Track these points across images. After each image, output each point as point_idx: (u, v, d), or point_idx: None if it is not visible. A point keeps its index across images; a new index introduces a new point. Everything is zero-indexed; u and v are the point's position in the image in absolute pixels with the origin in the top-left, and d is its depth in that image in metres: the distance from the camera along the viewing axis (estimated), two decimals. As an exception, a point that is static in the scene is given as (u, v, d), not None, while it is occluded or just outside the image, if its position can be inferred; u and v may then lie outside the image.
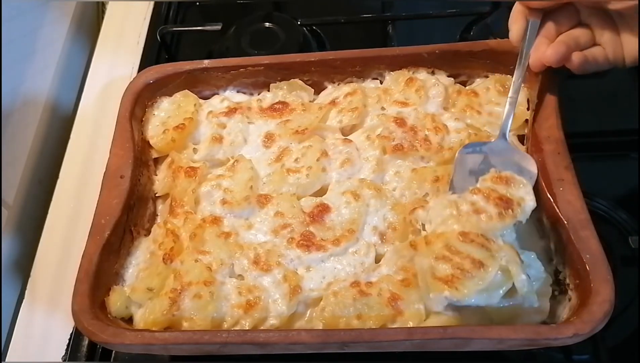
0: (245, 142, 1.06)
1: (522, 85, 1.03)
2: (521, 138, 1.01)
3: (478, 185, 0.88)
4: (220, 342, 0.81)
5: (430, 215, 0.89)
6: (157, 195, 1.04)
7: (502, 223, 0.84)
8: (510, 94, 0.95)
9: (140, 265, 0.95)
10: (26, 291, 1.06)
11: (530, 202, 0.85)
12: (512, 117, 0.94)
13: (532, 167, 0.92)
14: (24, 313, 1.04)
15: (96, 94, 1.30)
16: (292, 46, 1.27)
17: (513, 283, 0.81)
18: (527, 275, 0.81)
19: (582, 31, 0.91)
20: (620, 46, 0.90)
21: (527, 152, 0.97)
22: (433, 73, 1.08)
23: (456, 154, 0.95)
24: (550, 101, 0.96)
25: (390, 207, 0.94)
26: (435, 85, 1.05)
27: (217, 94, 1.12)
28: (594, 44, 0.92)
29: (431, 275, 0.82)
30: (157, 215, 1.03)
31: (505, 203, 0.84)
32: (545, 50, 0.91)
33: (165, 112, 1.09)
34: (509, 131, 0.95)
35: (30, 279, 1.07)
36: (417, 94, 1.04)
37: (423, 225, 0.90)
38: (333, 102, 1.07)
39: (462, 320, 0.84)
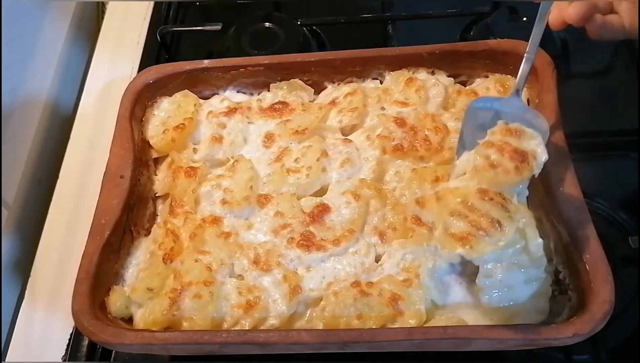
0: (245, 142, 1.06)
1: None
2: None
3: (488, 138, 0.83)
4: (220, 342, 0.81)
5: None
6: (157, 195, 1.04)
7: (520, 177, 0.80)
8: (527, 51, 0.92)
9: (140, 265, 0.95)
10: (26, 291, 1.06)
11: (543, 155, 0.82)
12: (527, 75, 0.92)
13: (544, 125, 0.88)
14: (24, 313, 1.04)
15: (96, 94, 1.30)
16: (292, 46, 1.27)
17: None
18: (542, 238, 0.80)
19: None
20: (636, 15, 0.89)
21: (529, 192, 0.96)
22: (433, 73, 1.08)
23: (467, 108, 0.93)
24: (550, 101, 0.96)
25: (391, 207, 0.94)
26: (435, 85, 1.05)
27: (217, 94, 1.12)
28: (612, 11, 0.91)
29: (444, 231, 0.78)
30: (157, 215, 1.03)
31: (521, 156, 0.80)
32: (567, 7, 0.89)
33: (165, 112, 1.09)
34: (522, 88, 0.92)
35: (30, 279, 1.07)
36: (417, 94, 1.04)
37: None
38: (333, 102, 1.07)
39: (462, 321, 0.85)
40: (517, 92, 0.92)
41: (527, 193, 0.84)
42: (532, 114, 0.90)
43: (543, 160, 0.82)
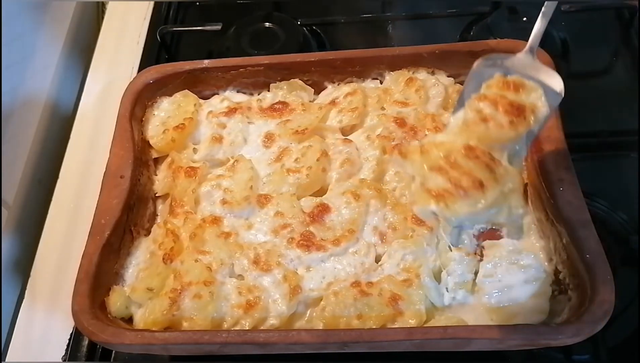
0: (245, 142, 1.06)
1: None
2: (521, 138, 1.01)
3: (482, 91, 0.76)
4: (220, 342, 0.81)
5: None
6: (157, 195, 1.04)
7: (514, 132, 0.73)
8: (544, 7, 0.81)
9: (140, 265, 0.95)
10: (26, 291, 1.06)
11: (543, 109, 0.75)
12: (542, 31, 0.82)
13: (558, 86, 0.79)
14: (24, 313, 1.04)
15: (96, 94, 1.30)
16: (292, 46, 1.27)
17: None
18: (523, 209, 0.74)
19: None
20: None
21: (527, 152, 0.97)
22: (433, 73, 1.08)
23: (473, 65, 0.83)
24: (550, 100, 0.96)
25: (391, 207, 0.94)
26: (435, 85, 1.05)
27: (217, 94, 1.12)
28: None
29: (421, 185, 0.72)
30: (157, 215, 1.03)
31: (517, 110, 0.73)
32: None
33: (165, 112, 1.09)
34: (537, 45, 0.83)
35: (30, 279, 1.07)
36: (417, 94, 1.04)
37: None
38: (333, 102, 1.07)
39: (462, 321, 0.85)
40: (531, 50, 0.82)
41: (525, 153, 0.77)
42: (545, 72, 0.80)
43: (544, 115, 0.75)
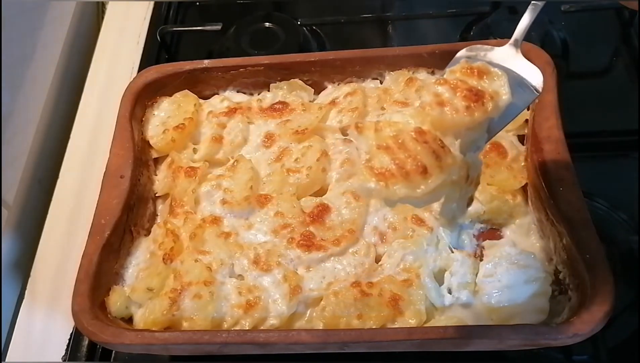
0: (245, 142, 1.06)
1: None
2: (521, 138, 1.01)
3: (445, 76, 0.74)
4: (220, 342, 0.81)
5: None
6: (157, 195, 1.04)
7: (470, 118, 0.70)
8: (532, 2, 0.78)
9: (140, 265, 0.95)
10: (26, 291, 1.06)
11: (504, 96, 0.72)
12: (529, 25, 0.79)
13: (536, 80, 0.76)
14: (24, 313, 1.04)
15: (96, 94, 1.30)
16: (292, 46, 1.27)
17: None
18: (457, 204, 0.73)
19: None
20: None
21: (527, 152, 0.97)
22: (433, 73, 1.08)
23: (457, 53, 0.81)
24: (550, 101, 0.96)
25: (391, 207, 0.94)
26: (435, 85, 1.05)
27: (217, 94, 1.12)
28: None
29: (366, 161, 0.70)
30: (157, 215, 1.03)
31: (475, 95, 0.70)
32: None
33: (165, 112, 1.09)
34: (522, 41, 0.79)
35: (30, 279, 1.07)
36: (417, 94, 1.03)
37: None
38: (333, 102, 1.07)
39: (462, 321, 0.85)
40: (516, 42, 0.79)
41: (483, 145, 0.75)
42: (526, 66, 0.77)
43: (504, 102, 0.72)
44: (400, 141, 0.69)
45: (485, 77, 0.73)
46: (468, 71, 0.73)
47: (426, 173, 0.67)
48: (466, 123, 0.70)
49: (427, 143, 0.68)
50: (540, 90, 0.75)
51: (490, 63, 0.76)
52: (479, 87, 0.71)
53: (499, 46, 0.80)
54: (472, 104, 0.69)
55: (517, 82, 0.75)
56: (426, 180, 0.68)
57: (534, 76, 0.76)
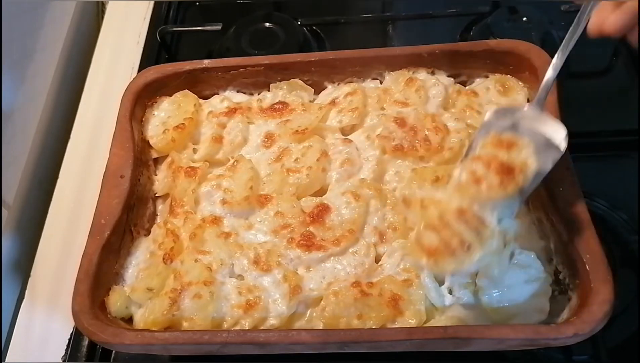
0: (245, 142, 1.06)
1: (523, 85, 1.03)
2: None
3: (478, 151, 0.82)
4: (220, 342, 0.81)
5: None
6: (157, 195, 1.04)
7: (503, 191, 0.79)
8: (554, 60, 0.85)
9: (140, 265, 0.95)
10: (26, 291, 1.06)
11: (532, 166, 0.80)
12: (552, 85, 0.86)
13: (560, 138, 0.82)
14: (24, 313, 1.04)
15: (96, 94, 1.30)
16: (292, 46, 1.27)
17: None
18: (499, 269, 0.81)
19: None
20: None
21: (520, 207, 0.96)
22: (433, 73, 1.08)
23: (485, 116, 0.87)
24: (550, 101, 0.96)
25: (391, 207, 0.94)
26: (435, 85, 1.05)
27: (217, 94, 1.12)
28: None
29: (416, 240, 0.79)
30: (157, 215, 1.03)
31: (507, 170, 0.79)
32: (608, 15, 0.79)
33: (165, 112, 1.09)
34: (544, 99, 0.86)
35: (30, 279, 1.07)
36: (417, 94, 1.04)
37: None
38: (333, 102, 1.07)
39: (462, 321, 0.85)
40: (539, 102, 0.86)
41: (517, 206, 0.82)
42: (550, 125, 0.84)
43: (532, 172, 0.80)
44: (445, 220, 0.78)
45: (514, 147, 0.80)
46: (498, 143, 0.81)
47: (470, 249, 0.76)
48: (501, 196, 0.79)
49: (468, 222, 0.77)
50: (564, 147, 0.81)
51: (518, 127, 0.83)
52: (509, 163, 0.79)
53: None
54: (505, 178, 0.78)
55: (544, 143, 0.82)
56: (470, 255, 0.77)
57: (558, 132, 0.83)
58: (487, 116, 0.87)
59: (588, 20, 0.81)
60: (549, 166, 0.82)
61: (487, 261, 0.79)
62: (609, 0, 0.79)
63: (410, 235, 0.84)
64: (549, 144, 0.83)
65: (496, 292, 0.86)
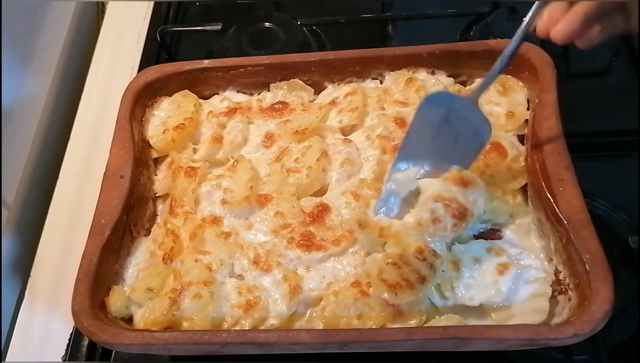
0: (245, 142, 1.06)
1: (523, 85, 1.03)
2: (521, 138, 1.01)
3: (438, 186, 0.89)
4: (220, 342, 0.81)
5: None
6: (157, 195, 1.04)
7: (454, 234, 0.88)
8: (499, 62, 0.87)
9: (140, 265, 0.95)
10: (26, 291, 1.06)
11: (481, 206, 0.90)
12: (491, 84, 0.90)
13: (485, 135, 0.89)
14: (24, 313, 1.04)
15: (96, 94, 1.30)
16: (292, 46, 1.27)
17: None
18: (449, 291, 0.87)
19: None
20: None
21: (527, 152, 0.97)
22: (433, 73, 1.08)
23: (420, 102, 0.91)
24: (550, 101, 0.96)
25: (391, 207, 0.94)
26: (435, 85, 1.05)
27: (217, 94, 1.12)
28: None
29: (378, 275, 0.86)
30: (157, 215, 1.03)
31: (461, 214, 0.88)
32: (558, 16, 0.81)
33: (165, 112, 1.09)
34: (482, 93, 0.90)
35: (30, 279, 1.07)
36: (417, 94, 1.04)
37: None
38: (333, 102, 1.07)
39: (462, 321, 0.85)
40: (476, 94, 0.90)
41: (472, 231, 0.93)
42: (479, 119, 0.89)
43: (479, 211, 0.90)
44: (405, 259, 0.86)
45: (470, 186, 0.89)
46: (459, 180, 0.89)
47: (424, 281, 0.85)
48: (450, 237, 0.89)
49: (425, 259, 0.86)
50: (486, 142, 0.90)
51: (450, 113, 0.89)
52: (466, 206, 0.89)
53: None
54: (457, 222, 0.88)
55: (472, 132, 0.89)
56: (425, 286, 0.85)
57: (486, 130, 0.89)
58: (422, 101, 0.91)
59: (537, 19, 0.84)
60: (472, 157, 0.90)
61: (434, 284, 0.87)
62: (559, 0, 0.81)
63: (367, 260, 0.88)
64: (475, 135, 0.89)
65: (496, 292, 0.86)
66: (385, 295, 0.85)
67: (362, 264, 0.90)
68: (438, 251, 0.87)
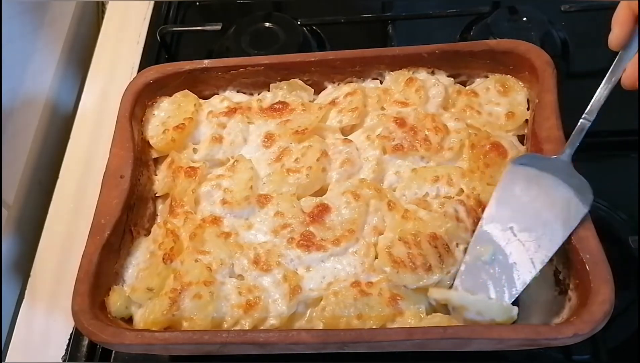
0: (245, 142, 1.05)
1: (523, 85, 1.03)
2: (521, 138, 1.01)
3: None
4: (220, 342, 0.81)
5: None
6: (157, 195, 1.04)
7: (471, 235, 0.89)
8: (585, 114, 0.89)
9: (140, 265, 0.95)
10: (26, 291, 1.06)
11: None
12: (580, 137, 0.89)
13: (589, 197, 0.86)
14: (24, 313, 1.04)
15: (96, 94, 1.30)
16: (292, 46, 1.27)
17: None
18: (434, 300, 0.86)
19: None
20: None
21: (527, 152, 0.97)
22: (433, 73, 1.08)
23: (508, 165, 0.92)
24: (550, 101, 0.96)
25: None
26: (435, 85, 1.05)
27: (217, 94, 1.12)
28: None
29: (386, 248, 0.87)
30: (157, 215, 1.03)
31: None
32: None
33: (165, 112, 1.09)
34: (574, 151, 0.90)
35: (30, 279, 1.08)
36: (417, 94, 1.04)
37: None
38: (333, 102, 1.07)
39: (461, 321, 0.85)
40: (568, 152, 0.89)
41: None
42: (578, 182, 0.87)
43: None
44: (418, 239, 0.87)
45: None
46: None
47: (430, 271, 0.85)
48: (468, 238, 0.88)
49: (437, 247, 0.86)
50: (590, 202, 0.85)
51: (545, 175, 0.88)
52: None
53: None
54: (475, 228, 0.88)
55: (567, 198, 0.87)
56: (429, 276, 0.85)
57: (586, 192, 0.86)
58: (511, 163, 0.91)
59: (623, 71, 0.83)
60: (574, 222, 0.84)
61: (438, 282, 0.86)
62: None
63: (380, 238, 0.89)
64: (573, 200, 0.86)
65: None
66: (388, 269, 0.85)
67: (362, 264, 0.90)
68: (453, 249, 0.87)
